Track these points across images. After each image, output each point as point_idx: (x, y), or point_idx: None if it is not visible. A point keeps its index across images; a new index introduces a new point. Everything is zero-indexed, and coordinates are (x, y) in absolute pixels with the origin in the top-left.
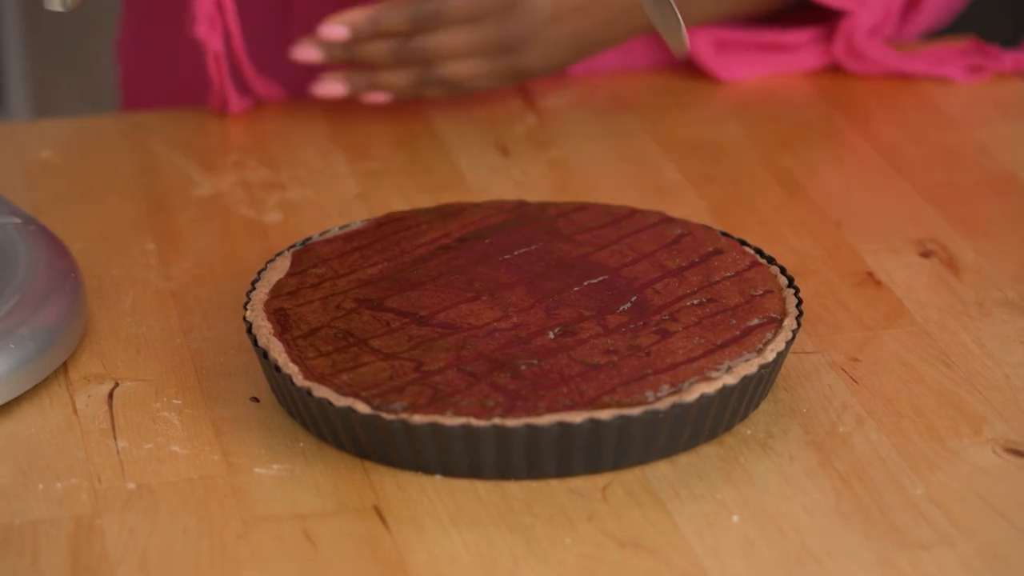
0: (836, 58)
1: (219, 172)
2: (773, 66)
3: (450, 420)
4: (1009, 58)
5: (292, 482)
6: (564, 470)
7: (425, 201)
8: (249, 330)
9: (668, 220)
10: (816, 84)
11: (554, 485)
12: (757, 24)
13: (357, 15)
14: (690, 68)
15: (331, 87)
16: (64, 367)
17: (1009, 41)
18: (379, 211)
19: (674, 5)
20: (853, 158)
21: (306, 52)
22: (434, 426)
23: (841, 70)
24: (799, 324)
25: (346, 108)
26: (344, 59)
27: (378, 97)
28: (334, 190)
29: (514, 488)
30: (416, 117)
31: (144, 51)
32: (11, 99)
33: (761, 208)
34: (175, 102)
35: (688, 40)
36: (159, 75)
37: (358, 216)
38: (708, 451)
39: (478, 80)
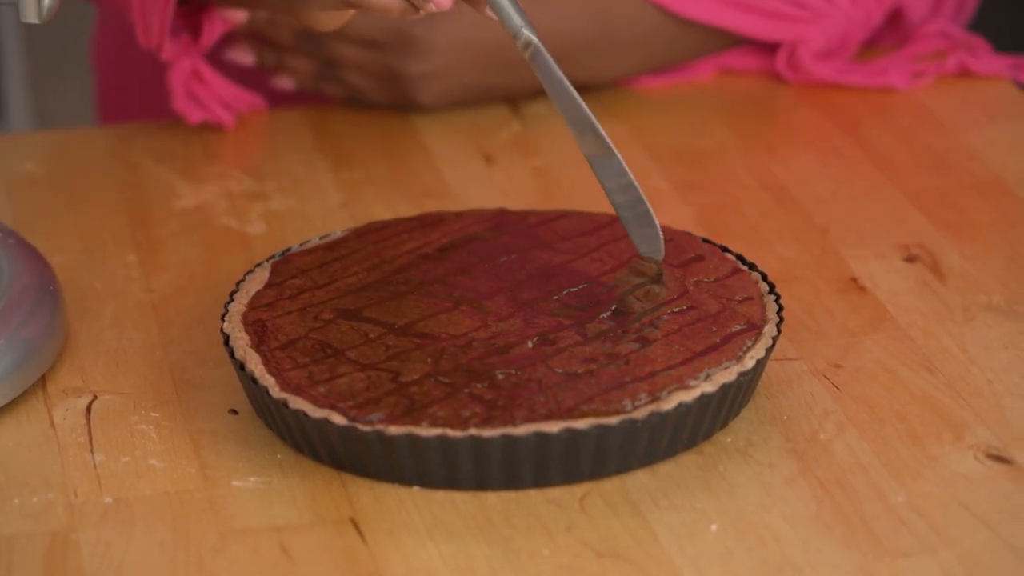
0: (776, 67)
1: (202, 183)
2: (730, 21)
3: (426, 431)
4: (953, 60)
5: (269, 494)
6: (542, 480)
7: (409, 210)
8: (226, 342)
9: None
10: (804, 89)
11: (532, 495)
12: None
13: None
14: (675, 71)
15: (241, 55)
16: (42, 380)
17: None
18: (363, 220)
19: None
20: (840, 163)
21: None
22: (410, 437)
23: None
24: (779, 331)
25: (330, 117)
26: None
27: (284, 83)
28: (318, 200)
29: (492, 499)
30: (400, 125)
31: (120, 58)
32: (11, 111)
33: (748, 214)
34: (153, 110)
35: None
36: (136, 83)
37: (342, 226)
38: (687, 460)
39: (371, 94)
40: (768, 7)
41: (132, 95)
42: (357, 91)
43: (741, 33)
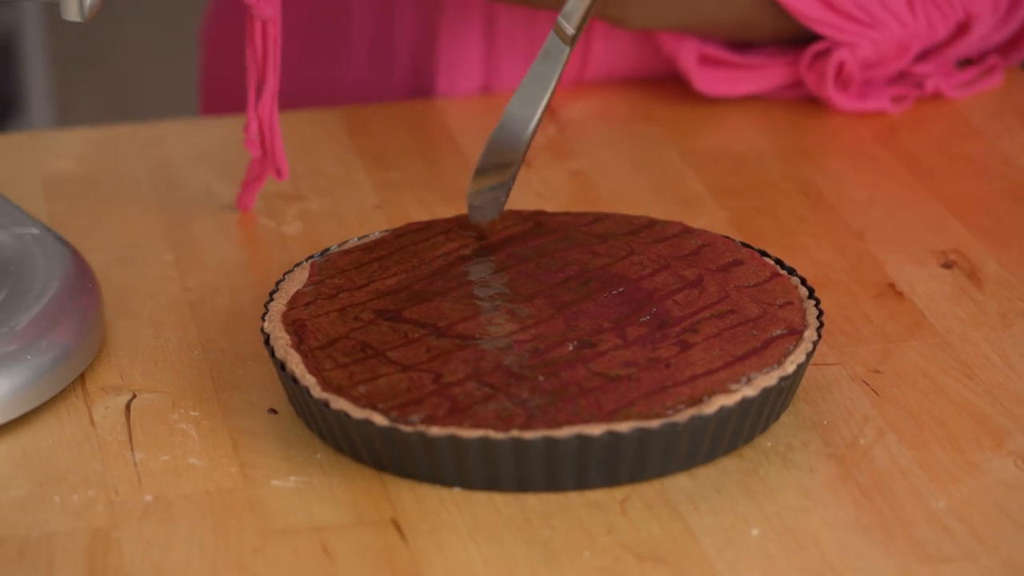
0: (801, 76)
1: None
2: (751, 84)
3: (468, 432)
4: (930, 83)
5: (309, 494)
6: (583, 483)
7: (445, 211)
8: (267, 341)
9: (688, 231)
10: None
11: (572, 498)
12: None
13: None
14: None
15: None
16: (82, 378)
17: None
18: (398, 221)
19: None
20: (876, 168)
21: None
22: (452, 438)
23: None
24: (820, 336)
25: (365, 118)
26: None
27: None
28: (353, 200)
29: (532, 501)
30: (436, 127)
31: (227, 38)
32: (33, 109)
33: (783, 219)
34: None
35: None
36: (240, 64)
37: (377, 227)
38: (728, 464)
39: None
40: None
41: (234, 77)
42: None
43: (792, 11)
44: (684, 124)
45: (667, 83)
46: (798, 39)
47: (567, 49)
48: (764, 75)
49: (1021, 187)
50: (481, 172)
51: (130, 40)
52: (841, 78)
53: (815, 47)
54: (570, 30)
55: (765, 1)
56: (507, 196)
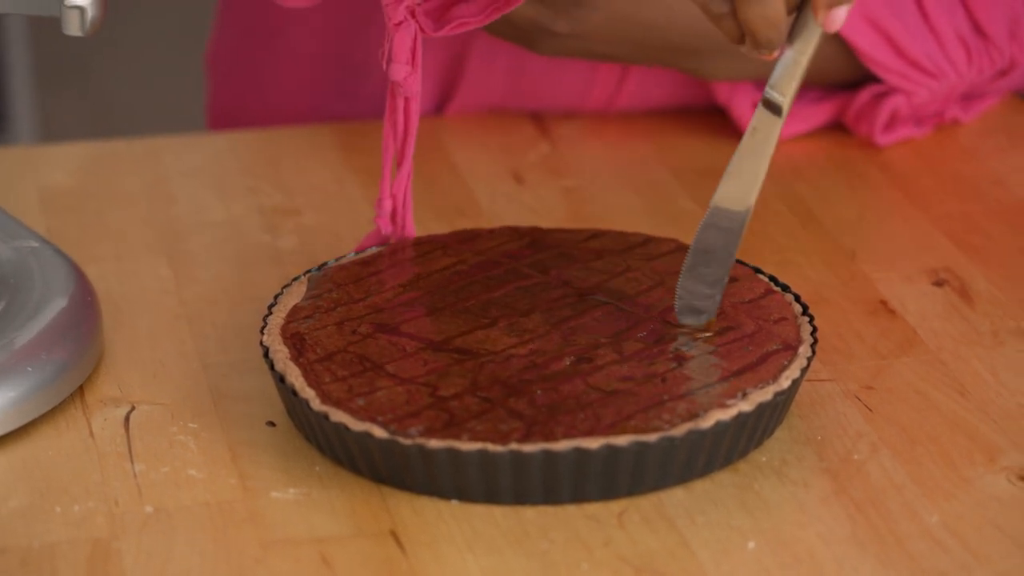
0: (847, 117)
1: (234, 197)
2: (795, 127)
3: (466, 445)
4: (950, 111)
5: (309, 506)
6: (580, 495)
7: (440, 227)
8: (266, 354)
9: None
10: None
11: (570, 511)
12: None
13: None
14: (709, 104)
15: None
16: (80, 390)
17: None
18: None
19: None
20: (867, 187)
21: None
22: (450, 451)
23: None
24: (814, 352)
25: (359, 134)
26: None
27: None
28: (348, 215)
29: (530, 513)
30: (431, 144)
31: (237, 64)
32: (18, 124)
33: (774, 237)
34: (265, 120)
35: None
36: (250, 90)
37: None
38: (723, 478)
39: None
40: (905, 42)
41: (244, 103)
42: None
43: (866, 59)
44: (675, 142)
45: (658, 104)
46: (845, 83)
47: (779, 122)
48: (808, 118)
49: (1011, 207)
50: (693, 267)
51: (115, 55)
52: (890, 121)
53: (871, 90)
54: (782, 100)
55: (840, 49)
56: (722, 293)
